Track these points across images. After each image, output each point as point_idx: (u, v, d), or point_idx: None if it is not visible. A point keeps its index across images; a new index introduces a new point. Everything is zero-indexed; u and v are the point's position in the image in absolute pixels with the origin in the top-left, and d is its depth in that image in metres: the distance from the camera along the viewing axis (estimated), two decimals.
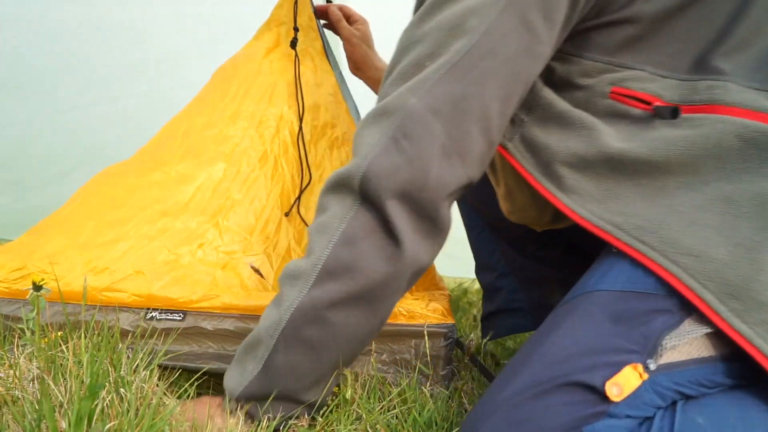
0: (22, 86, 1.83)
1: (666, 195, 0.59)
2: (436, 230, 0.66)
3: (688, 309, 0.54)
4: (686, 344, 0.54)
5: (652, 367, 0.54)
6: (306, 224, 1.08)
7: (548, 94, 0.68)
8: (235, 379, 0.69)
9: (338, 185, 0.64)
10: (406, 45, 0.66)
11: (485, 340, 1.13)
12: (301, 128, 1.16)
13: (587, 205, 0.63)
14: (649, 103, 0.62)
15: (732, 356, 0.53)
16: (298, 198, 1.09)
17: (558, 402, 0.54)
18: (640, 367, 0.53)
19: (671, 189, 0.59)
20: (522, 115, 0.69)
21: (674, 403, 0.55)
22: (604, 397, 0.53)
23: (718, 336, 0.53)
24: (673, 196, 0.59)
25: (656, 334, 0.54)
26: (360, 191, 0.62)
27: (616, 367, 0.54)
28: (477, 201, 1.10)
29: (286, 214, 1.07)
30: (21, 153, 1.94)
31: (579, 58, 0.66)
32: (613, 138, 0.62)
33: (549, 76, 0.69)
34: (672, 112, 0.60)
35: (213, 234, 0.99)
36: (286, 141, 1.15)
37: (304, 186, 1.11)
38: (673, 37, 0.63)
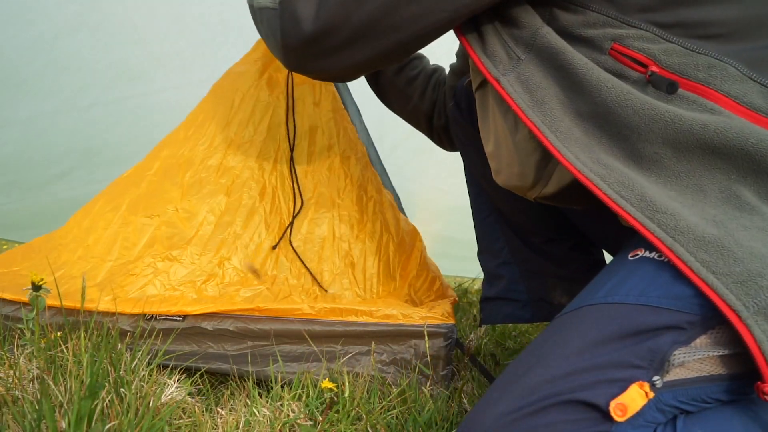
0: (22, 87, 1.83)
1: (642, 165, 0.59)
2: None
3: (703, 327, 0.52)
4: (697, 361, 0.52)
5: (659, 384, 0.52)
6: (299, 256, 1.10)
7: (549, 33, 0.66)
8: None
9: None
10: None
11: (480, 326, 1.12)
12: (292, 158, 1.18)
13: (573, 148, 0.61)
14: (645, 66, 0.60)
15: (743, 374, 0.52)
16: (290, 226, 1.11)
17: (559, 419, 0.52)
18: (646, 385, 0.52)
19: (647, 161, 0.59)
20: (520, 53, 0.67)
21: (673, 417, 0.53)
22: (606, 416, 0.51)
23: (732, 356, 0.52)
24: (650, 170, 0.58)
25: (665, 349, 0.52)
26: (281, 3, 0.72)
27: (621, 384, 0.52)
28: (487, 183, 1.08)
29: (274, 247, 1.10)
30: (20, 153, 1.94)
31: (585, 9, 0.64)
32: (611, 94, 0.60)
33: (551, 24, 0.67)
34: (669, 86, 0.58)
35: (217, 271, 1.02)
36: (283, 173, 1.17)
37: (295, 213, 1.13)
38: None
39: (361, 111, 1.36)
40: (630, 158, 0.59)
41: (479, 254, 1.15)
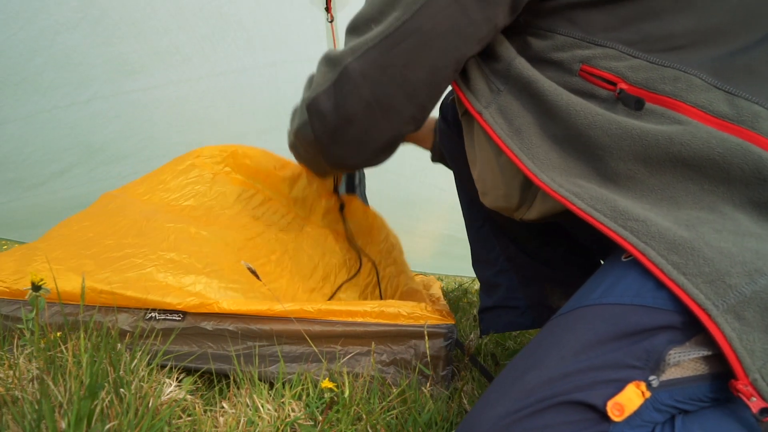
0: (21, 84, 1.83)
1: (618, 182, 0.61)
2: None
3: (697, 326, 0.52)
4: (692, 360, 0.53)
5: (655, 384, 0.52)
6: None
7: (521, 63, 0.68)
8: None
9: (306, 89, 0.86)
10: None
11: (481, 337, 1.13)
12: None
13: (550, 173, 0.64)
14: (614, 84, 0.62)
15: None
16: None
17: (557, 421, 0.53)
18: (642, 385, 0.52)
19: (623, 178, 0.60)
20: (499, 84, 0.70)
21: (672, 417, 0.54)
22: (604, 416, 0.51)
23: (721, 357, 0.52)
24: (626, 187, 0.60)
25: (660, 349, 0.53)
26: (306, 108, 0.81)
27: (617, 384, 0.52)
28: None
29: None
30: (20, 151, 1.94)
31: (554, 34, 0.66)
32: (580, 117, 0.63)
33: (525, 51, 0.69)
34: (636, 103, 0.60)
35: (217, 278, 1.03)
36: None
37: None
38: (651, 13, 0.62)
39: None
40: (606, 177, 0.62)
41: (474, 264, 1.15)
